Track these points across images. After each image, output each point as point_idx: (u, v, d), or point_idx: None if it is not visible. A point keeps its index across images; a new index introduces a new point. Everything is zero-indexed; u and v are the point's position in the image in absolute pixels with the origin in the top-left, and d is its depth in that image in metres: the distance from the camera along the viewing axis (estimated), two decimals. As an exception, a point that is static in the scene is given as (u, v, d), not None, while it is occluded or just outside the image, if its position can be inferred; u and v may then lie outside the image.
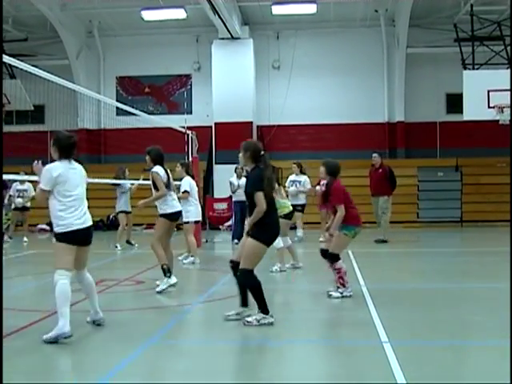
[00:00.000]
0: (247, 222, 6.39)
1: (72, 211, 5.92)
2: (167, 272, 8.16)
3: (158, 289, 8.13)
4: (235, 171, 15.09)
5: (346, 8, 20.24)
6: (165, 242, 8.46)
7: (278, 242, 9.83)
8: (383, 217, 14.51)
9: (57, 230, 5.95)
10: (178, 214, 8.58)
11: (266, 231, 6.15)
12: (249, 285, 6.15)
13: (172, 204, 8.43)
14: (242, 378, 4.53)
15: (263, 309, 6.09)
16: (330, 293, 7.62)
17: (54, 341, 5.52)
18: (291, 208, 10.19)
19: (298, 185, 14.60)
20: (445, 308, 6.99)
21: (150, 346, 5.49)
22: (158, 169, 8.32)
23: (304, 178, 14.73)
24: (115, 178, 13.51)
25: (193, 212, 11.05)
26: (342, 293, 7.55)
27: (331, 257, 7.61)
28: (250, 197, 6.16)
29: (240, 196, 15.02)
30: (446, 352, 5.19)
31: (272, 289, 8.70)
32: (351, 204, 7.78)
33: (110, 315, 6.77)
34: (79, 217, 5.94)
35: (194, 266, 10.92)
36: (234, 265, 6.29)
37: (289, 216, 10.08)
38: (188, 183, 10.96)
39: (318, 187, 14.95)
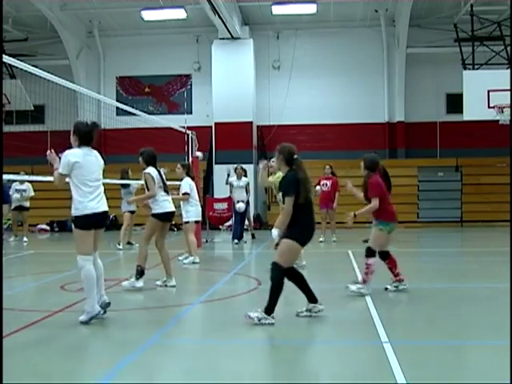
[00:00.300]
0: (276, 223, 6.40)
1: (87, 196, 6.29)
2: (138, 274, 8.22)
3: (124, 283, 8.25)
4: (235, 171, 15.10)
5: (346, 8, 20.24)
6: (160, 241, 8.48)
7: (276, 234, 9.79)
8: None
9: (74, 213, 6.34)
10: (169, 214, 8.47)
11: (302, 231, 6.25)
12: (273, 279, 6.20)
13: (162, 204, 8.41)
14: (241, 378, 4.53)
15: (269, 309, 6.12)
16: (348, 285, 7.71)
17: (88, 321, 6.10)
18: None
19: None
20: (445, 308, 6.99)
21: (150, 345, 5.48)
22: (150, 170, 8.43)
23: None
24: (121, 179, 13.49)
25: (193, 212, 11.06)
26: (359, 288, 7.62)
27: (367, 250, 7.71)
28: (283, 197, 6.31)
29: (240, 196, 15.04)
30: (446, 352, 5.19)
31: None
32: (388, 200, 7.82)
33: (110, 315, 6.77)
34: (95, 201, 6.30)
35: (194, 265, 10.92)
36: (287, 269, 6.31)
37: None
38: (188, 185, 10.97)
39: (317, 187, 14.97)
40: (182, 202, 11.04)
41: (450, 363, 4.90)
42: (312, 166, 17.72)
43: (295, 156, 6.43)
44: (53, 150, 6.60)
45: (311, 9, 20.01)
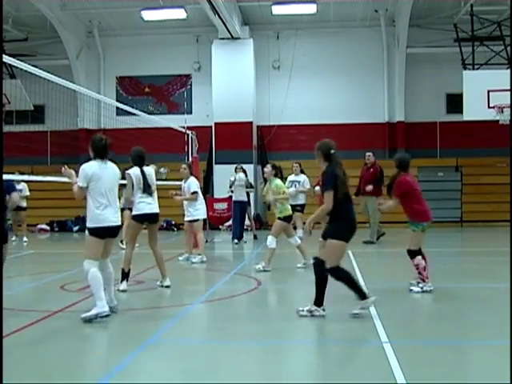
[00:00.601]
0: (309, 220, 6.50)
1: (103, 209, 6.50)
2: (122, 276, 8.19)
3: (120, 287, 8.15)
4: (235, 171, 15.10)
5: (346, 8, 20.24)
6: (151, 243, 8.45)
7: (271, 242, 9.86)
8: (372, 218, 14.33)
9: (89, 225, 6.53)
10: (145, 216, 8.30)
11: (343, 227, 6.37)
12: (341, 279, 6.34)
13: (139, 206, 8.30)
14: (241, 378, 4.53)
15: (318, 301, 6.29)
16: (411, 288, 7.79)
17: (93, 318, 6.19)
18: (291, 212, 10.30)
19: (297, 185, 14.60)
20: (444, 308, 6.99)
21: (150, 345, 5.49)
22: (132, 170, 8.39)
23: (303, 178, 14.72)
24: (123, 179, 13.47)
25: (201, 210, 11.19)
26: (422, 287, 7.71)
27: (409, 253, 7.83)
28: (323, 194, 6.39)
29: (239, 196, 15.03)
30: (445, 352, 5.19)
31: (270, 289, 8.72)
32: (417, 200, 7.82)
33: (110, 315, 6.77)
34: (110, 213, 6.50)
35: (195, 265, 10.93)
36: (317, 261, 6.43)
37: (289, 219, 10.20)
38: (196, 184, 11.10)
39: (317, 187, 14.96)
40: (186, 202, 11.09)
41: (449, 363, 4.90)
42: (312, 166, 17.70)
43: (332, 151, 6.46)
44: (66, 166, 6.77)
45: (311, 9, 20.01)
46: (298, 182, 14.54)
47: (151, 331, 6.03)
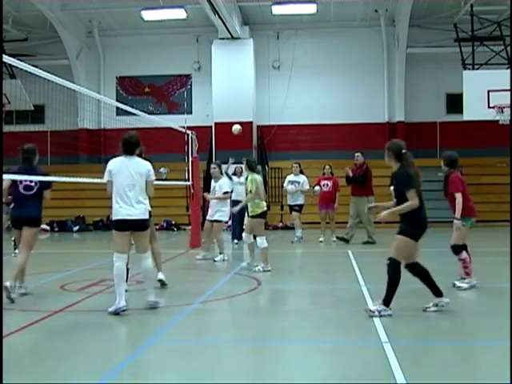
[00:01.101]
0: (389, 212, 6.53)
1: (119, 201, 6.72)
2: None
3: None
4: (235, 172, 15.07)
5: (346, 8, 20.25)
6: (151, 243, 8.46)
7: (262, 242, 9.86)
8: (366, 218, 14.15)
9: (111, 217, 6.90)
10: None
11: (415, 227, 6.40)
12: (391, 274, 6.46)
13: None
14: (241, 378, 4.53)
15: (387, 301, 6.35)
16: (457, 284, 7.86)
17: (115, 313, 6.54)
18: (265, 208, 10.17)
19: (297, 185, 14.60)
20: (444, 308, 6.98)
21: (150, 345, 5.48)
22: None
23: (303, 179, 14.73)
24: None
25: (225, 213, 11.42)
26: (468, 283, 7.78)
27: (454, 249, 7.95)
28: (401, 195, 6.43)
29: (238, 196, 15.00)
30: (445, 352, 5.19)
31: (270, 289, 8.72)
32: (467, 196, 7.93)
33: (110, 315, 6.77)
34: (126, 208, 6.68)
35: (224, 262, 11.26)
36: (392, 262, 6.56)
37: (263, 215, 10.09)
38: (228, 184, 11.39)
39: (317, 187, 14.96)
40: (216, 201, 11.29)
41: (449, 363, 4.90)
42: (312, 166, 17.80)
43: (404, 151, 6.51)
44: None
45: (311, 9, 20.02)
46: (298, 182, 14.54)
47: (151, 331, 6.03)
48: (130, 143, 6.86)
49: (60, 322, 6.45)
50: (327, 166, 15.32)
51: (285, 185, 15.23)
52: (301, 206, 14.65)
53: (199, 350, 5.49)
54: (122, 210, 6.68)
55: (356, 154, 14.81)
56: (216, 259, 11.31)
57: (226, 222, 11.83)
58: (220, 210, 11.22)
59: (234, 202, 15.08)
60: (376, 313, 6.32)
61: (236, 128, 14.17)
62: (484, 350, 5.32)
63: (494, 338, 5.65)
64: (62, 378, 4.57)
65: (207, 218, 11.51)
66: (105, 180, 6.81)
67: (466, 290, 7.75)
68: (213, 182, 11.56)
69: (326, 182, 15.02)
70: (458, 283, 7.85)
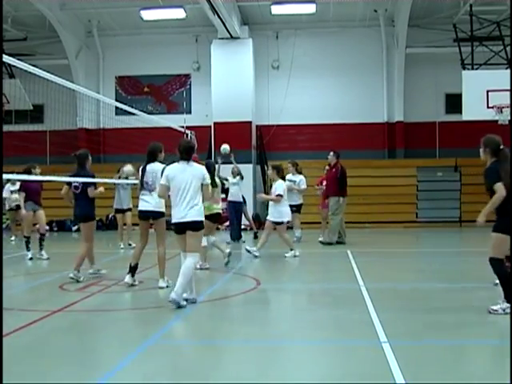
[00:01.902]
0: (482, 213, 6.56)
1: (174, 206, 7.07)
2: (130, 271, 8.53)
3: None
4: (232, 172, 14.97)
5: (346, 8, 20.25)
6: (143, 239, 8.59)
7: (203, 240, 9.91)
8: (333, 219, 14.07)
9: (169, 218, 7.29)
10: (139, 212, 8.49)
11: (508, 222, 6.42)
12: (499, 273, 6.47)
13: (139, 202, 8.55)
14: (241, 378, 4.53)
15: (509, 298, 6.32)
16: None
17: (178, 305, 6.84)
18: (215, 211, 10.14)
19: (293, 184, 14.57)
20: (444, 308, 6.99)
21: (150, 345, 5.48)
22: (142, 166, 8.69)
23: (300, 178, 14.70)
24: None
25: (285, 212, 11.81)
26: None
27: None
28: (490, 189, 6.47)
29: (234, 196, 14.98)
30: (445, 352, 5.19)
31: (269, 288, 8.72)
32: None
33: (110, 315, 6.79)
34: (179, 211, 7.00)
35: (296, 258, 11.62)
36: (494, 261, 6.49)
37: (213, 219, 10.06)
38: (282, 187, 11.74)
39: (320, 186, 14.97)
40: (271, 202, 11.85)
41: (448, 363, 4.90)
42: (311, 166, 17.81)
43: (502, 147, 6.60)
44: None
45: (310, 9, 20.02)
46: (294, 181, 14.54)
47: (151, 331, 6.03)
48: (189, 148, 7.20)
49: (59, 322, 6.46)
50: (327, 167, 15.30)
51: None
52: (298, 206, 14.61)
53: (199, 349, 5.50)
54: (176, 214, 7.03)
55: (330, 154, 14.67)
56: (287, 255, 11.74)
57: (288, 222, 12.27)
58: (278, 211, 11.73)
59: (230, 203, 15.11)
60: (500, 311, 6.38)
61: (224, 148, 14.49)
62: (484, 350, 5.32)
63: (494, 338, 5.65)
64: (61, 377, 4.57)
65: (267, 218, 12.08)
66: (162, 182, 7.18)
67: None
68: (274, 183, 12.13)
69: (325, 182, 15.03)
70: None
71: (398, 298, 7.64)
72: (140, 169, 8.61)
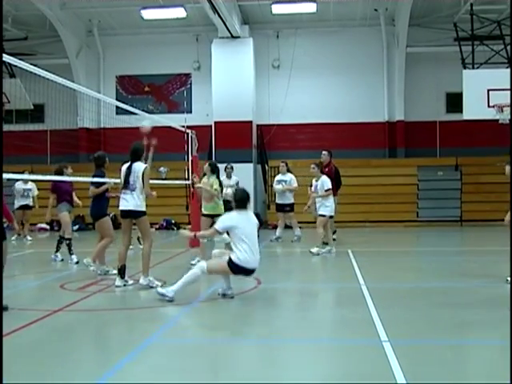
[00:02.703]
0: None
1: (244, 252, 7.35)
2: (119, 273, 8.47)
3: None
4: (225, 171, 14.89)
5: (346, 7, 20.24)
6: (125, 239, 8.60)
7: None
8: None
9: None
10: (123, 212, 8.44)
11: None
12: None
13: (120, 202, 8.53)
14: (241, 377, 4.53)
15: None
16: None
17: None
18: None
19: (283, 184, 14.59)
20: (444, 307, 6.99)
21: (150, 345, 5.48)
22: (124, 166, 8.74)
23: (290, 177, 14.75)
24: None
25: (330, 208, 12.19)
26: None
27: None
28: None
29: (230, 196, 14.91)
30: (445, 351, 5.19)
31: (270, 288, 8.71)
32: None
33: (110, 314, 6.79)
34: (252, 259, 7.37)
35: (331, 254, 11.78)
36: None
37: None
38: (328, 182, 12.13)
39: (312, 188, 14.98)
40: (321, 198, 12.16)
41: (449, 362, 4.90)
42: (309, 166, 17.76)
43: None
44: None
45: (311, 8, 20.00)
46: (285, 181, 14.56)
47: (151, 330, 6.03)
48: (243, 198, 7.59)
49: (60, 321, 6.46)
50: (313, 165, 15.30)
51: (274, 184, 15.34)
52: (291, 205, 14.66)
53: (199, 349, 5.49)
54: (250, 259, 7.36)
55: (323, 153, 14.54)
56: (323, 250, 11.95)
57: (331, 217, 12.60)
58: (325, 206, 12.09)
59: (225, 202, 15.01)
60: None
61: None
62: (484, 349, 5.31)
63: (494, 337, 5.65)
64: (61, 377, 4.57)
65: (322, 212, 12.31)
66: (218, 229, 7.46)
67: None
68: (314, 181, 12.43)
69: (317, 183, 15.02)
70: None
71: (398, 297, 7.64)
72: (124, 168, 8.57)
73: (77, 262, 10.89)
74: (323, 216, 12.10)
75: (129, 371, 4.73)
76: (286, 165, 15.07)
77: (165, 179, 14.46)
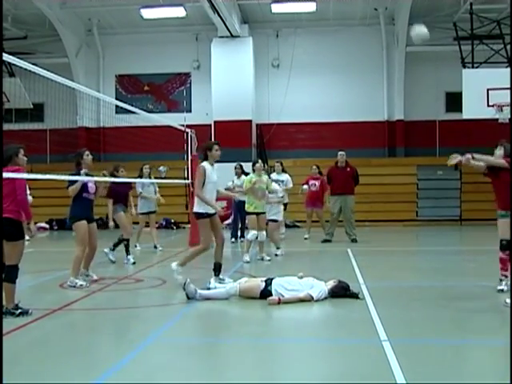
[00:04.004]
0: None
1: None
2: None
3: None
4: (235, 168, 14.80)
5: (346, 6, 20.24)
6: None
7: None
8: (352, 216, 14.42)
9: None
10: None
11: None
12: None
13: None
14: (241, 377, 4.53)
15: None
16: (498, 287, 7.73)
17: None
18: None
19: (280, 184, 14.49)
20: (444, 306, 6.99)
21: (150, 344, 5.48)
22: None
23: (286, 177, 14.70)
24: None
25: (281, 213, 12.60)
26: (506, 284, 7.67)
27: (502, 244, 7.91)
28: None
29: (239, 196, 14.91)
30: (445, 351, 5.19)
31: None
32: None
33: (109, 313, 6.78)
34: None
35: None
36: None
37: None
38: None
39: (305, 186, 15.02)
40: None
41: (449, 362, 4.89)
42: (311, 164, 17.75)
43: None
44: None
45: (311, 7, 20.01)
46: (282, 181, 14.52)
47: (151, 329, 6.02)
48: None
49: (59, 321, 6.45)
50: (314, 166, 15.42)
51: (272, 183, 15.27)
52: (285, 205, 14.71)
53: (199, 348, 5.50)
54: None
55: (341, 153, 14.53)
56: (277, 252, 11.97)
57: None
58: (278, 211, 12.37)
59: (235, 202, 15.00)
60: None
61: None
62: (484, 349, 5.31)
63: (494, 337, 5.65)
64: (61, 377, 4.56)
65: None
66: None
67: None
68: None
69: (313, 181, 15.15)
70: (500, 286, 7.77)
71: (398, 296, 7.64)
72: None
73: (134, 263, 10.85)
74: (276, 221, 12.21)
75: (128, 371, 4.72)
76: (281, 164, 15.01)
77: (164, 178, 14.44)
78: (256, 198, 11.00)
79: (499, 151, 7.82)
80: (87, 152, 9.03)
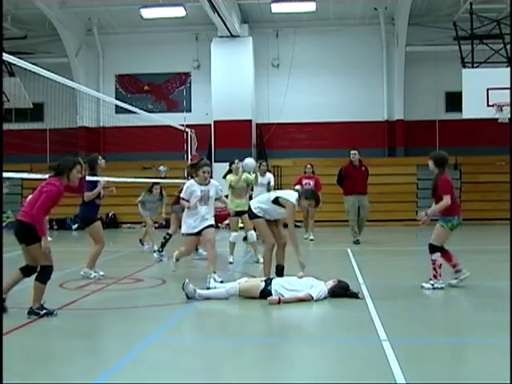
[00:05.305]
0: None
1: None
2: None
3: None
4: (259, 168, 13.94)
5: (346, 6, 20.24)
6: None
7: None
8: (366, 216, 14.21)
9: None
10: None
11: None
12: None
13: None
14: (240, 377, 4.53)
15: None
16: (422, 284, 7.85)
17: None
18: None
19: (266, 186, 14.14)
20: (444, 306, 7.00)
21: (150, 343, 5.48)
22: None
23: (268, 177, 13.83)
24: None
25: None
26: (433, 284, 7.75)
27: (430, 247, 7.87)
28: None
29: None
30: (445, 350, 5.19)
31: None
32: (454, 198, 7.91)
33: (109, 313, 6.78)
34: None
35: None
36: None
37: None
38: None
39: (298, 187, 14.94)
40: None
41: (449, 361, 4.90)
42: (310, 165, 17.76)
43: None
44: None
45: (310, 7, 20.01)
46: (268, 183, 14.18)
47: (150, 329, 6.02)
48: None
49: (59, 321, 6.45)
50: (308, 166, 15.30)
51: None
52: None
53: (198, 347, 5.50)
54: None
55: (354, 152, 14.36)
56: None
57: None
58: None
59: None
60: None
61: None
62: (484, 349, 5.31)
63: (493, 337, 5.65)
64: (60, 376, 4.56)
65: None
66: None
67: (428, 289, 7.68)
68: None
69: (307, 181, 15.00)
70: (423, 283, 7.86)
71: (398, 296, 7.64)
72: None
73: (160, 260, 11.21)
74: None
75: (128, 371, 4.72)
76: (267, 165, 14.04)
77: (164, 178, 14.45)
78: (237, 198, 10.96)
79: (430, 164, 8.27)
80: (100, 157, 9.71)
